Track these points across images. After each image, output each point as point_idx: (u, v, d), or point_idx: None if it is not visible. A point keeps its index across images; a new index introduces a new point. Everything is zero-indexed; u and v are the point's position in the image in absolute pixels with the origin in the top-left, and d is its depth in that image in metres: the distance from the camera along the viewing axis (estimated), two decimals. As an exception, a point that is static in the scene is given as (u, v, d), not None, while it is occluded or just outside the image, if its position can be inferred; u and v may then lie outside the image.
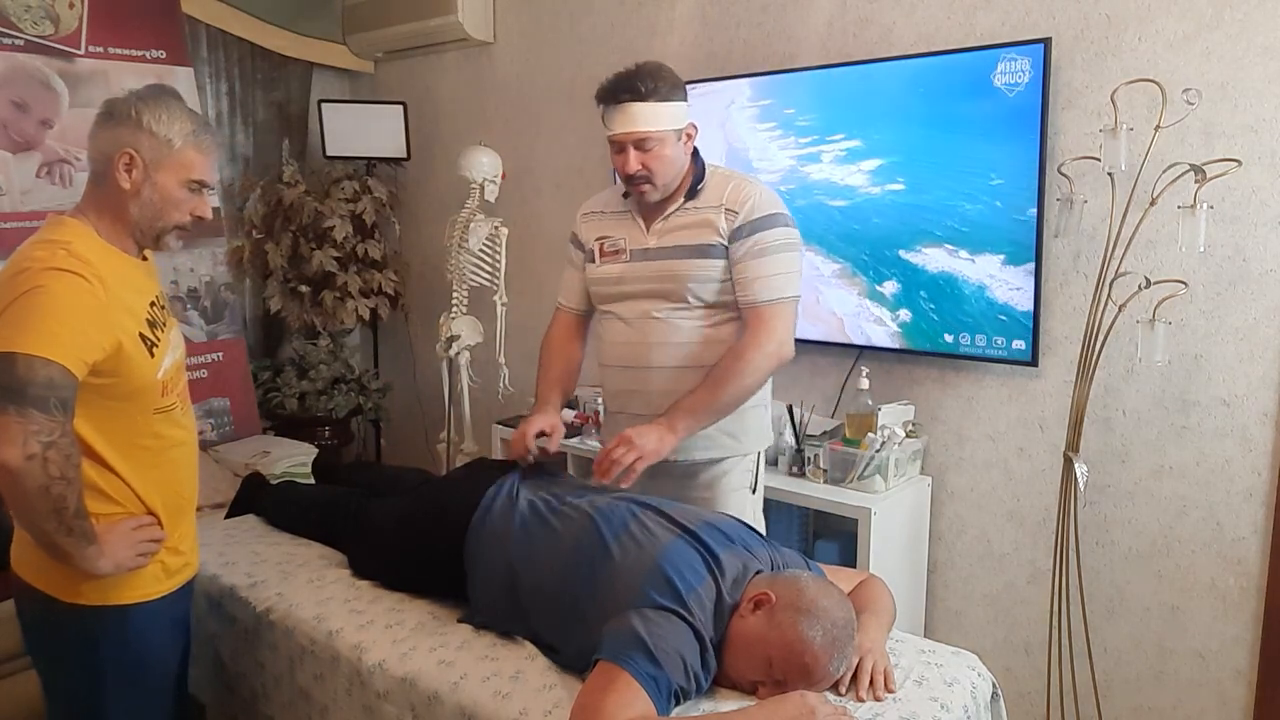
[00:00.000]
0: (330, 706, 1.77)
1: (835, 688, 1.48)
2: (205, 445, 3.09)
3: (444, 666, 1.62)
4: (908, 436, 2.49)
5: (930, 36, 2.49)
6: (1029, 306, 2.32)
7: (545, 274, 3.42)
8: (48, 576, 1.51)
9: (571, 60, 3.34)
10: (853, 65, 2.55)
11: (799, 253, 1.94)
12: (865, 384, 2.47)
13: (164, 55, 3.22)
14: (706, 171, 1.97)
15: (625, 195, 2.01)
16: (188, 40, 3.37)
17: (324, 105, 3.63)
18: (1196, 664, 2.27)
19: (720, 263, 1.90)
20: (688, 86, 1.94)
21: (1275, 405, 2.11)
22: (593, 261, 2.04)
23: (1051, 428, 2.40)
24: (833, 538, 2.61)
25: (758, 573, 1.57)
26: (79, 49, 3.03)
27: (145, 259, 1.62)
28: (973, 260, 2.39)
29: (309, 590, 1.93)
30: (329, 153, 3.66)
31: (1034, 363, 2.34)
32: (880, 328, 2.58)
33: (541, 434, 1.94)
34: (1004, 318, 2.36)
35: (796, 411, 2.55)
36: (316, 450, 3.18)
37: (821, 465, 2.47)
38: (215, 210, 1.65)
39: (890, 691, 1.49)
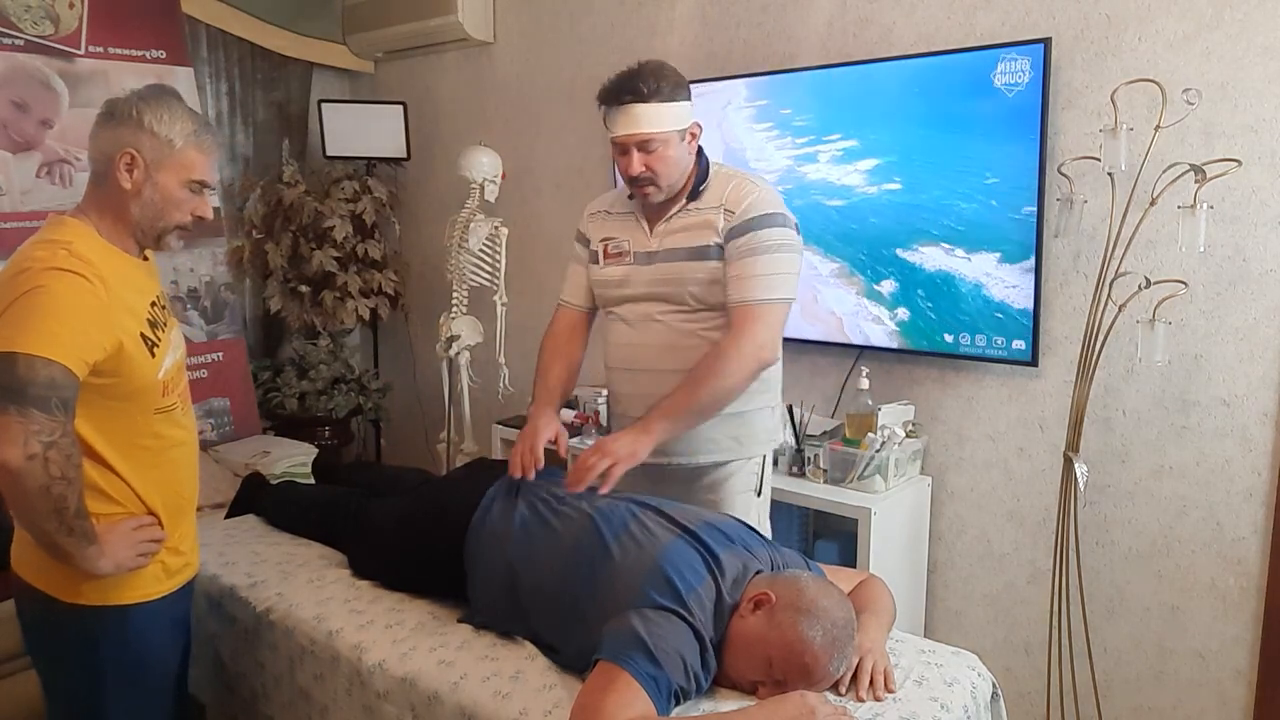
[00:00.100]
0: (330, 706, 1.77)
1: (835, 688, 1.48)
2: (205, 445, 3.09)
3: (444, 666, 1.62)
4: (908, 436, 2.49)
5: (930, 36, 2.49)
6: (1024, 304, 2.32)
7: (545, 274, 3.42)
8: (48, 576, 1.51)
9: (571, 60, 3.34)
10: (852, 65, 2.56)
11: (795, 255, 1.89)
12: (865, 384, 2.47)
13: (164, 55, 3.22)
14: (710, 171, 1.94)
15: (630, 196, 1.98)
16: (188, 40, 3.37)
17: (324, 105, 3.63)
18: (1196, 664, 2.27)
19: (719, 264, 1.87)
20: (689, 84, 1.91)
21: (1275, 405, 2.11)
22: (596, 263, 2.02)
23: (1051, 428, 2.40)
24: (833, 538, 2.61)
25: (758, 573, 1.57)
26: (79, 49, 3.03)
27: (146, 259, 1.62)
28: (969, 259, 2.40)
29: (309, 590, 1.93)
30: (329, 153, 3.66)
31: (1034, 363, 2.35)
32: (879, 326, 2.58)
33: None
34: (1000, 315, 2.36)
35: (796, 411, 2.55)
36: (316, 450, 3.18)
37: (821, 465, 2.47)
38: (215, 210, 1.65)
39: (890, 691, 1.49)
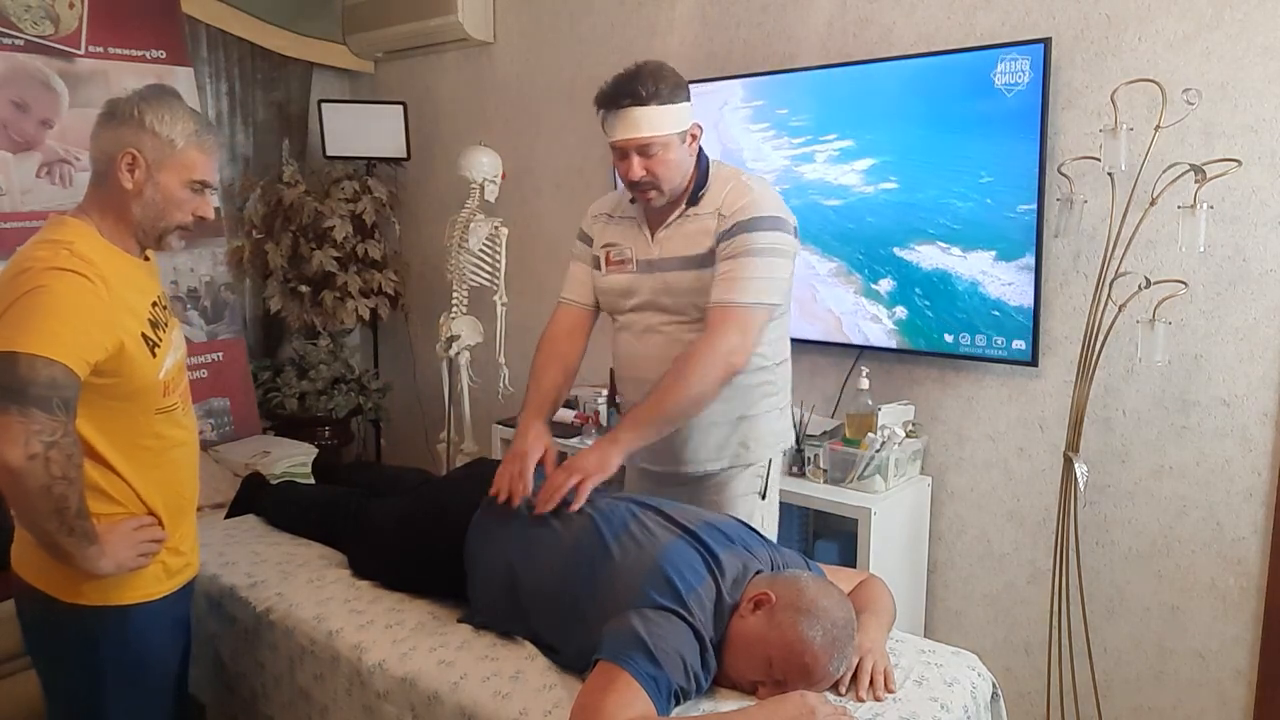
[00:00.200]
0: (330, 706, 1.77)
1: (835, 688, 1.48)
2: (205, 445, 3.09)
3: (444, 666, 1.62)
4: (908, 436, 2.49)
5: (930, 36, 2.49)
6: (1019, 301, 2.33)
7: (545, 274, 3.42)
8: (48, 576, 1.51)
9: (571, 60, 3.34)
10: (852, 65, 2.56)
11: (783, 260, 1.81)
12: (865, 384, 2.47)
13: (164, 55, 3.22)
14: (710, 173, 1.90)
15: (632, 200, 1.94)
16: (188, 40, 3.37)
17: (324, 105, 3.63)
18: (1196, 664, 2.27)
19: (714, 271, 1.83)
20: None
21: (1275, 405, 2.11)
22: (599, 269, 1.99)
23: (1051, 428, 2.40)
24: (833, 538, 2.61)
25: (758, 573, 1.57)
26: (79, 49, 3.03)
27: (147, 259, 1.62)
28: (964, 257, 2.40)
29: (309, 590, 1.93)
30: (329, 153, 3.66)
31: (1034, 363, 2.35)
32: (877, 325, 2.58)
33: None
34: (997, 313, 2.37)
35: (796, 411, 2.55)
36: (316, 450, 3.19)
37: (821, 465, 2.47)
38: (216, 210, 1.65)
39: (890, 691, 1.49)
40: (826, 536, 2.65)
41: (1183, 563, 2.26)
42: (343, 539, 2.10)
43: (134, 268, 1.55)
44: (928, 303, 2.48)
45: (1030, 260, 2.30)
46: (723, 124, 2.81)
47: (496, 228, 3.21)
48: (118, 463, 1.50)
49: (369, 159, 3.76)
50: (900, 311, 2.54)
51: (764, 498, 2.01)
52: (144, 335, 1.49)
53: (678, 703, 1.42)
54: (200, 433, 2.15)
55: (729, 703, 1.45)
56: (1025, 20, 2.34)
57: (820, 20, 2.70)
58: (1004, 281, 2.35)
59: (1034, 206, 2.27)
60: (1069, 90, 2.29)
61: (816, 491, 2.43)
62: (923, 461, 2.59)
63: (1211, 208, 2.01)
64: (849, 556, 2.41)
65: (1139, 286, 2.07)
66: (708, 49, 2.96)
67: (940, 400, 2.59)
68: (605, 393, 2.88)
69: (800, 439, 2.53)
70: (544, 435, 1.88)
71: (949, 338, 2.47)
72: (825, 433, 2.56)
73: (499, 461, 2.04)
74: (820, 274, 2.66)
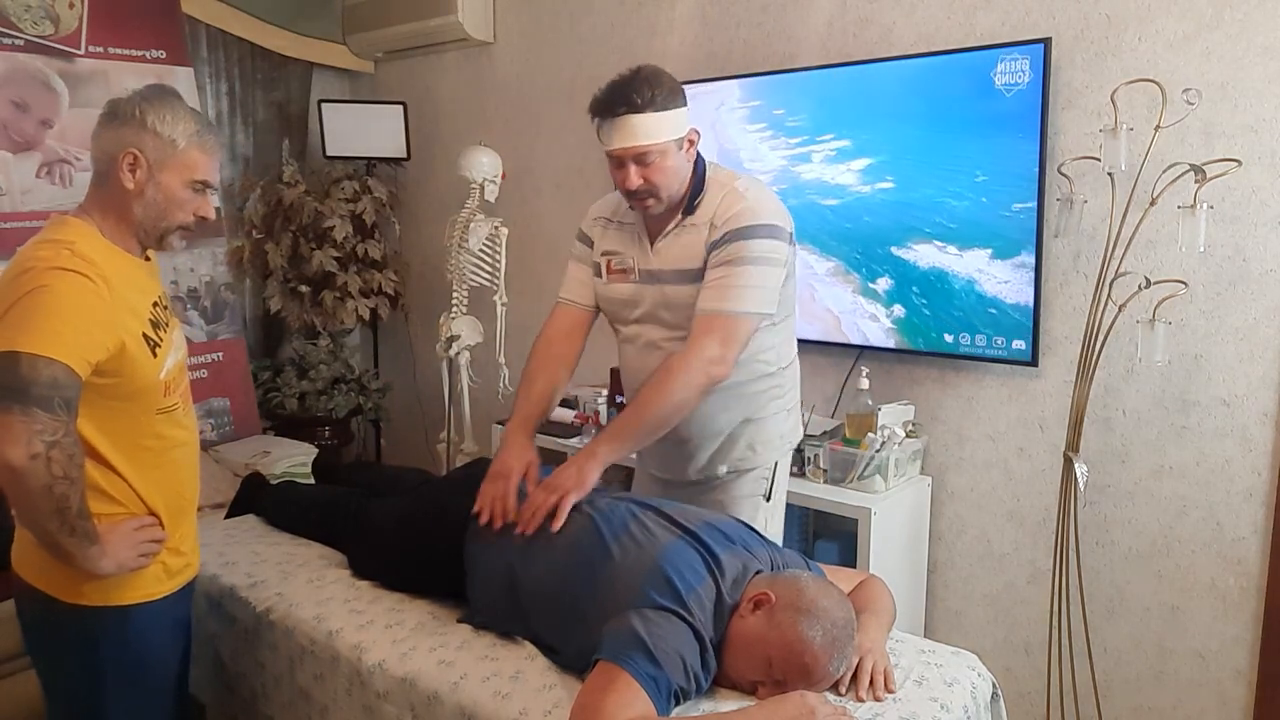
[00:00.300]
0: (330, 706, 1.77)
1: (835, 688, 1.48)
2: (205, 445, 3.08)
3: (444, 666, 1.62)
4: (908, 436, 2.49)
5: (930, 36, 2.49)
6: (1016, 299, 2.33)
7: (545, 274, 3.42)
8: (49, 577, 1.51)
9: (571, 60, 3.34)
10: (852, 65, 2.56)
11: (774, 269, 1.77)
12: (865, 384, 2.47)
13: (164, 55, 3.22)
14: (707, 179, 1.85)
15: (630, 207, 1.90)
16: (188, 40, 3.37)
17: (324, 105, 3.63)
18: (1196, 664, 2.27)
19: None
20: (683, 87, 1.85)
21: (1275, 405, 2.11)
22: (599, 276, 1.96)
23: (1051, 428, 2.40)
24: (833, 538, 2.61)
25: (758, 573, 1.57)
26: (79, 49, 3.03)
27: (148, 259, 1.62)
28: (960, 255, 2.41)
29: (309, 590, 1.93)
30: (329, 153, 3.66)
31: (1034, 363, 2.35)
32: (875, 324, 2.59)
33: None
34: (993, 311, 2.38)
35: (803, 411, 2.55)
36: (316, 450, 3.19)
37: (821, 465, 2.47)
38: (216, 210, 1.65)
39: (890, 691, 1.49)
40: (826, 536, 2.65)
41: (1183, 563, 2.26)
42: (343, 539, 2.10)
43: (135, 268, 1.55)
44: (925, 301, 2.49)
45: (1026, 258, 2.30)
46: (719, 124, 2.81)
47: (496, 228, 3.21)
48: (118, 463, 1.50)
49: (369, 159, 3.76)
50: (898, 310, 2.54)
51: (769, 500, 2.00)
52: (145, 335, 1.49)
53: (678, 703, 1.42)
54: (200, 433, 2.15)
55: (729, 703, 1.45)
56: (1025, 20, 2.34)
57: (820, 20, 2.70)
58: (1000, 280, 2.35)
59: (1030, 205, 2.27)
60: (1069, 90, 2.29)
61: (816, 491, 2.43)
62: (923, 461, 2.59)
63: (1211, 208, 2.01)
64: (849, 556, 2.41)
65: (1139, 286, 2.07)
66: (708, 49, 2.96)
67: (940, 400, 2.59)
68: (605, 393, 2.88)
69: (800, 439, 2.52)
70: (527, 450, 1.85)
71: (949, 337, 2.47)
72: (825, 433, 2.56)
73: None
74: (818, 273, 2.66)
